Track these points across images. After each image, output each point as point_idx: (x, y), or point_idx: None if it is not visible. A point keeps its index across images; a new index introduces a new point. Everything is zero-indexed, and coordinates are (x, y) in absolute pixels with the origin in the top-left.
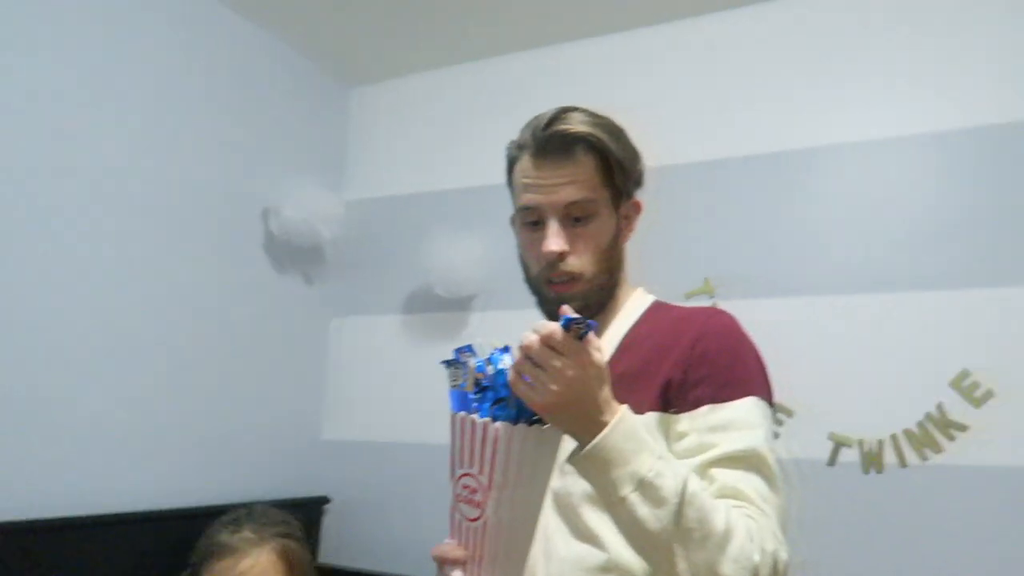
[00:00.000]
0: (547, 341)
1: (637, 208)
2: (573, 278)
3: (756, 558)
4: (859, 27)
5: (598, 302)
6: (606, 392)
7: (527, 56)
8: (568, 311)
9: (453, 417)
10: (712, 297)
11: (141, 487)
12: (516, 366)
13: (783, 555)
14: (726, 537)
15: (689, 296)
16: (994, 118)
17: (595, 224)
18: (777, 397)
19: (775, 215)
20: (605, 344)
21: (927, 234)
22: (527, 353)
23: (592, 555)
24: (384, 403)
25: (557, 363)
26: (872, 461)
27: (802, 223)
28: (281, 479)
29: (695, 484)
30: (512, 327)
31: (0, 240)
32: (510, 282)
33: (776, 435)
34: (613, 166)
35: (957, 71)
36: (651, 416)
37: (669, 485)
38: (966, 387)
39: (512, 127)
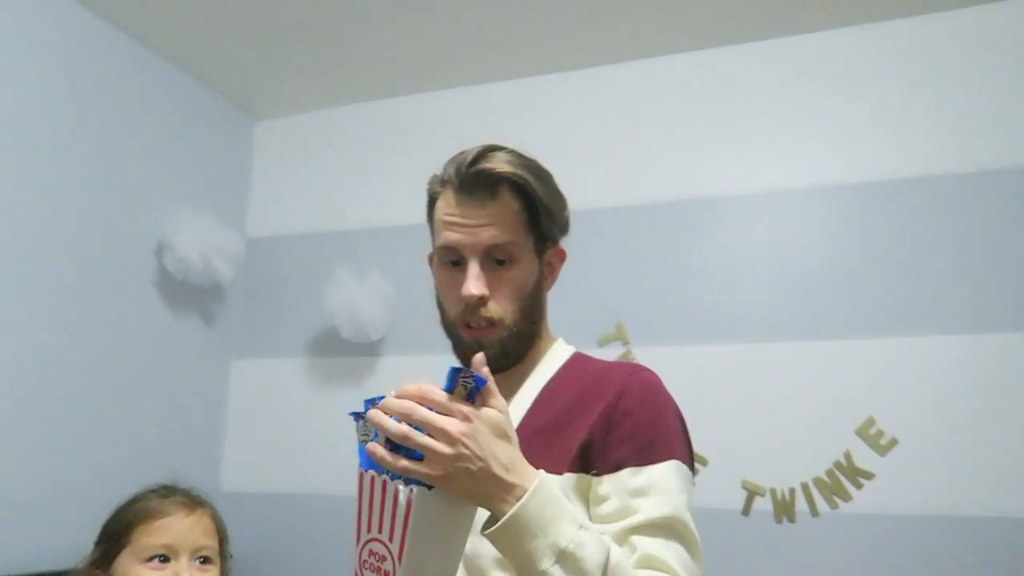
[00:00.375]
0: (425, 401)
1: (561, 256)
2: (492, 323)
3: None
4: (761, 81)
5: (516, 350)
6: (510, 451)
7: (433, 96)
8: (480, 362)
9: (361, 476)
10: (626, 343)
11: (26, 548)
12: (398, 438)
13: None
14: None
15: (602, 342)
16: (881, 175)
17: (517, 269)
18: (698, 447)
19: (684, 262)
20: (522, 398)
21: (830, 283)
22: (407, 420)
23: None
24: (288, 452)
25: (443, 424)
26: (784, 510)
27: (710, 270)
28: None
29: (617, 554)
30: (424, 372)
31: None
32: (420, 325)
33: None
34: (538, 210)
35: (847, 127)
36: (569, 477)
37: (592, 557)
38: (872, 435)
39: (417, 166)
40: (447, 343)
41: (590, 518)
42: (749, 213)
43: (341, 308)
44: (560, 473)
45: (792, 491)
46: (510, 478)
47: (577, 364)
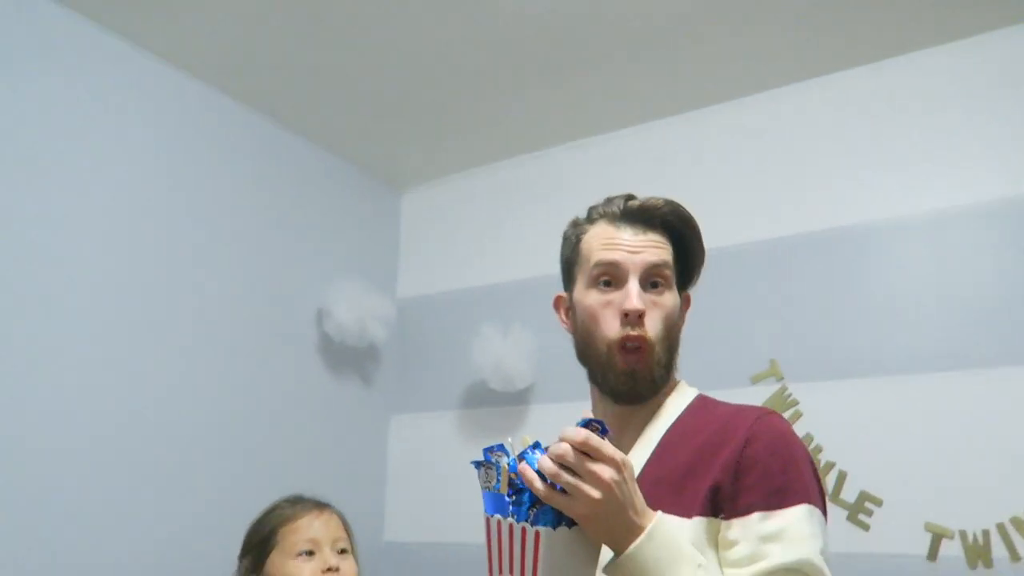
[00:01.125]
0: (582, 447)
1: (688, 302)
2: (645, 346)
3: None
4: (914, 94)
5: (661, 379)
6: (640, 496)
7: (569, 148)
8: (588, 414)
9: (488, 520)
10: (780, 380)
11: None
12: (550, 476)
13: None
14: None
15: (756, 380)
16: None
17: (669, 295)
18: (863, 484)
19: (841, 293)
20: (647, 439)
21: (1008, 305)
22: (561, 461)
23: None
24: (445, 502)
25: (594, 468)
26: (978, 554)
27: (870, 300)
28: None
29: None
30: (570, 418)
31: (62, 357)
32: (564, 373)
33: (866, 527)
34: (689, 248)
35: (1014, 137)
36: (699, 521)
37: None
38: None
39: (555, 218)
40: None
41: (720, 564)
42: (910, 237)
43: (487, 361)
44: (690, 517)
45: (986, 533)
46: (640, 521)
47: (701, 408)
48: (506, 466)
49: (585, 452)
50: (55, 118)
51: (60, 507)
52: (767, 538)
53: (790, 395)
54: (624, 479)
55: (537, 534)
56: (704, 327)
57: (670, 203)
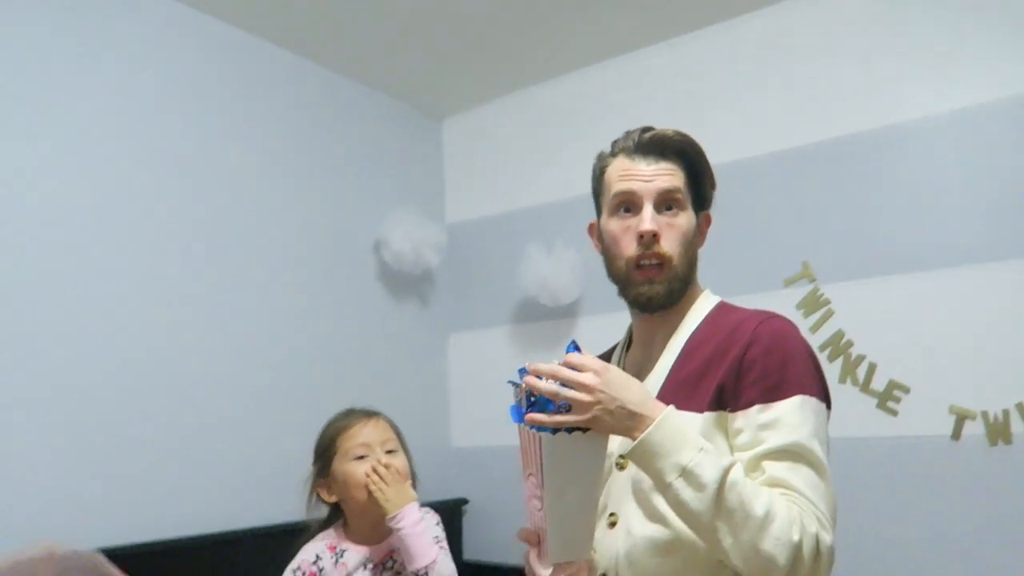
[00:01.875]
0: (568, 364)
1: (708, 220)
2: (662, 262)
3: (796, 537)
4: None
5: (679, 291)
6: (640, 392)
7: (602, 67)
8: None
9: (519, 428)
10: (812, 281)
11: (274, 505)
12: (550, 396)
13: (826, 538)
14: (767, 519)
15: (788, 283)
16: None
17: (683, 216)
18: (891, 373)
19: (869, 194)
20: (673, 346)
21: None
22: (557, 378)
23: (661, 533)
24: (503, 410)
25: (580, 377)
26: (999, 432)
27: (898, 199)
28: (422, 485)
29: (737, 473)
30: (617, 326)
31: (149, 299)
32: (608, 287)
33: (895, 412)
34: (701, 173)
35: None
36: (709, 415)
37: (709, 473)
38: None
39: (594, 137)
40: None
41: (730, 450)
42: (935, 135)
43: (534, 279)
44: (702, 412)
45: (1006, 412)
46: (643, 411)
47: (719, 315)
48: (524, 384)
49: (574, 367)
50: (109, 65)
51: (163, 428)
52: (764, 426)
53: (822, 295)
54: (608, 380)
55: (540, 438)
56: (739, 235)
57: (680, 133)
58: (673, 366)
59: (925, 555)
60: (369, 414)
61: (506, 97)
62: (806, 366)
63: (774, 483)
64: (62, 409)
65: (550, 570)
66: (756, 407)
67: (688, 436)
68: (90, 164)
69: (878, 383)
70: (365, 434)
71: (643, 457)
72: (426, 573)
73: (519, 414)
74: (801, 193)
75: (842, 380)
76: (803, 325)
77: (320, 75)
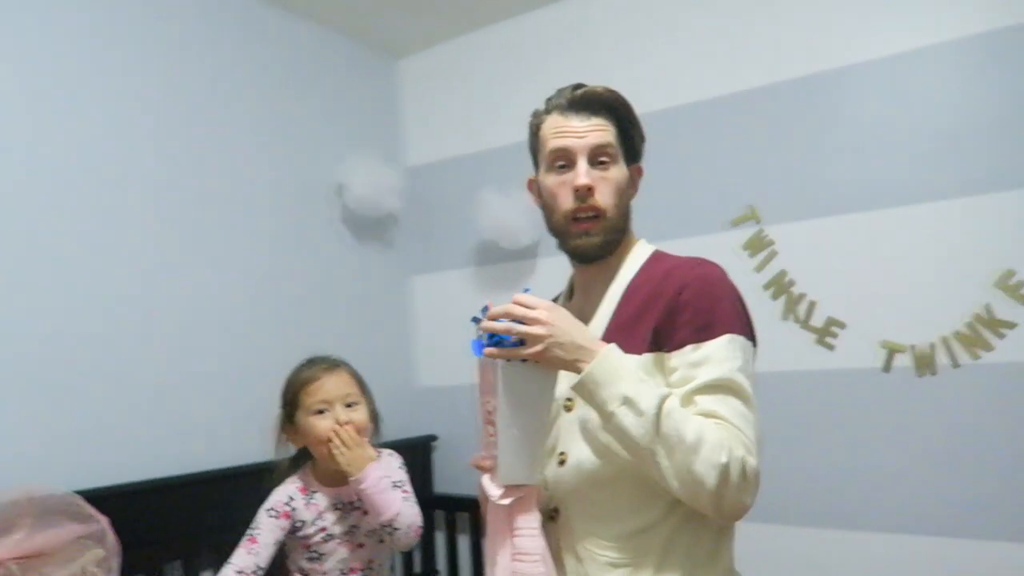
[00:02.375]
0: (519, 302)
1: (640, 172)
2: (597, 214)
3: (723, 459)
4: None
5: (614, 241)
6: (586, 332)
7: (562, 6)
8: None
9: (478, 361)
10: (758, 223)
11: (243, 445)
12: (504, 332)
13: (752, 461)
14: (697, 443)
15: (736, 223)
16: (1015, 18)
17: (616, 169)
18: (829, 310)
19: (812, 137)
20: (612, 294)
21: (962, 141)
22: (509, 317)
23: (607, 468)
24: (467, 349)
25: (534, 313)
26: (926, 363)
27: (839, 143)
28: (391, 424)
29: (672, 403)
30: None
31: (119, 247)
32: None
33: (831, 347)
34: (630, 127)
35: None
36: (647, 356)
37: (647, 401)
38: (1012, 285)
39: (550, 80)
40: None
41: (667, 386)
42: (876, 79)
43: (491, 222)
44: (640, 353)
45: (932, 345)
46: (591, 346)
47: (654, 263)
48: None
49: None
50: (72, 20)
51: (133, 372)
52: (695, 364)
53: (767, 236)
54: (558, 316)
55: (498, 365)
56: (687, 178)
57: (609, 90)
58: (613, 312)
59: (858, 481)
60: (331, 366)
61: (465, 36)
62: (733, 307)
63: (705, 414)
64: (34, 355)
65: (501, 491)
66: (688, 347)
67: (628, 369)
68: (61, 113)
69: (817, 319)
70: (326, 389)
71: (589, 388)
72: (391, 524)
73: (479, 347)
74: (747, 137)
75: (784, 317)
76: (748, 265)
77: (275, 16)
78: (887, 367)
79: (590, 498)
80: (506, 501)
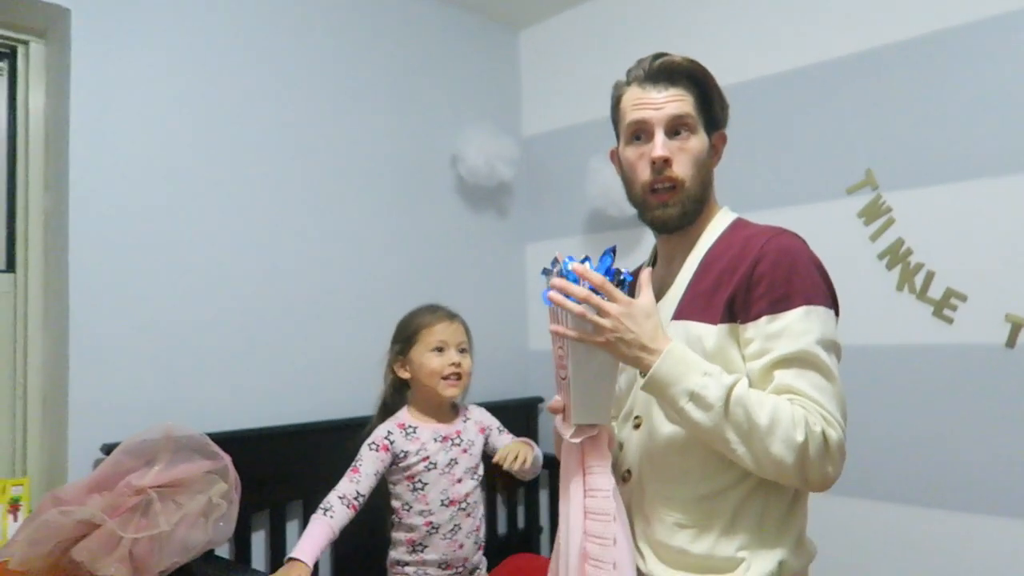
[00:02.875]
0: (600, 288)
1: (724, 140)
2: (674, 186)
3: (800, 438)
4: None
5: (693, 211)
6: (655, 329)
7: None
8: (622, 270)
9: (550, 310)
10: (875, 189)
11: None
12: (579, 316)
13: (833, 433)
14: (772, 425)
15: (852, 190)
16: None
17: (694, 139)
18: (949, 281)
19: (932, 99)
20: (691, 262)
21: None
22: (589, 302)
23: (680, 433)
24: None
25: (610, 306)
26: None
27: (960, 104)
28: (501, 385)
29: (740, 389)
30: None
31: (255, 217)
32: None
33: (950, 320)
34: (710, 95)
35: None
36: (722, 327)
37: (714, 393)
38: None
39: (663, 48)
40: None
41: (743, 358)
42: (1003, 36)
43: (600, 191)
44: (715, 323)
45: None
46: (654, 345)
47: (734, 231)
48: (556, 271)
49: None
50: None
51: (265, 330)
52: (771, 336)
53: (884, 203)
54: (630, 314)
55: (568, 315)
56: (801, 144)
57: (687, 59)
58: (691, 281)
59: (976, 460)
60: (451, 315)
61: (582, 5)
62: (811, 277)
63: (783, 389)
64: (178, 318)
65: (572, 430)
66: (764, 318)
67: (692, 363)
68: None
69: (935, 291)
70: (446, 333)
71: (656, 387)
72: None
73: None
74: (866, 100)
75: (899, 288)
76: (863, 233)
77: None
78: (1011, 342)
79: (662, 462)
80: (577, 440)
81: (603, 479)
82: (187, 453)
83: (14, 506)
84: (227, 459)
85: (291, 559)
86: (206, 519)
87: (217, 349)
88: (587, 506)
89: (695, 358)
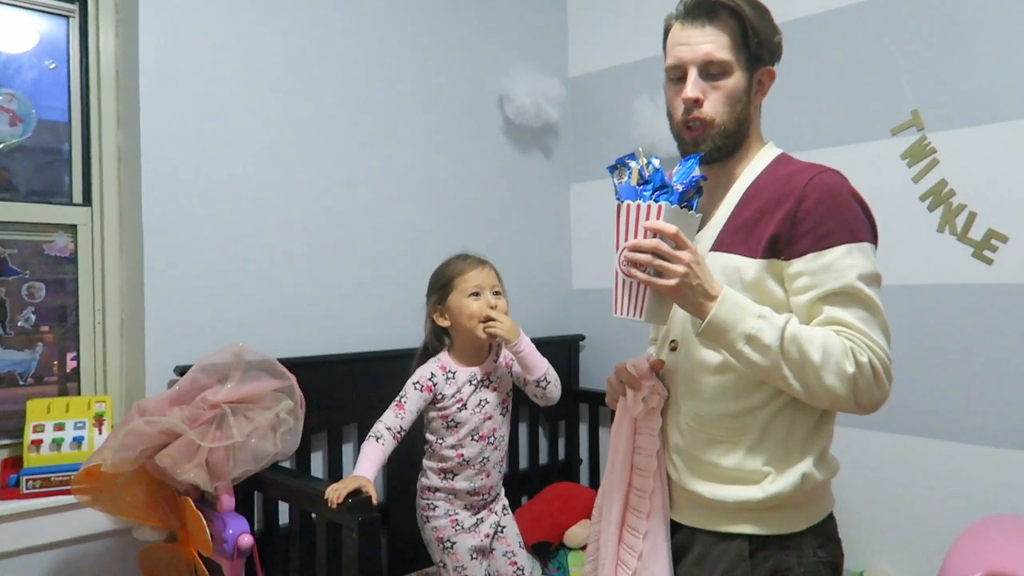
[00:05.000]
0: (673, 238)
1: (771, 76)
2: (705, 124)
3: (850, 369)
4: None
5: (727, 146)
6: (708, 271)
7: None
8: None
9: (620, 206)
10: (920, 130)
11: (399, 332)
12: (645, 264)
13: (878, 362)
14: (825, 359)
15: (896, 131)
16: None
17: (729, 80)
18: (990, 222)
19: (981, 38)
20: (732, 194)
21: None
22: (656, 252)
23: (715, 355)
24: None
25: (679, 254)
26: None
27: (1010, 43)
28: (544, 322)
29: (793, 328)
30: None
31: (313, 155)
32: None
33: (990, 261)
34: (749, 32)
35: None
36: (762, 262)
37: (769, 335)
38: None
39: None
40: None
41: (786, 291)
42: None
43: (646, 130)
44: (755, 257)
45: None
46: (713, 292)
47: (777, 166)
48: (636, 166)
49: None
50: None
51: (323, 266)
52: (818, 272)
53: (928, 144)
54: (698, 261)
55: (660, 207)
56: (847, 83)
57: None
58: (733, 212)
59: (1008, 396)
60: (481, 261)
61: None
62: (854, 214)
63: (831, 322)
64: (250, 253)
65: (641, 407)
66: (810, 255)
67: (746, 307)
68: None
69: (976, 232)
70: (480, 278)
71: (715, 332)
72: (545, 377)
73: (629, 192)
74: (913, 41)
75: (940, 229)
76: (907, 175)
77: None
78: None
79: (698, 382)
80: (639, 411)
81: (650, 439)
82: (256, 372)
83: (99, 420)
84: (293, 379)
85: (354, 476)
86: (274, 432)
87: (280, 280)
88: (634, 462)
89: (747, 301)
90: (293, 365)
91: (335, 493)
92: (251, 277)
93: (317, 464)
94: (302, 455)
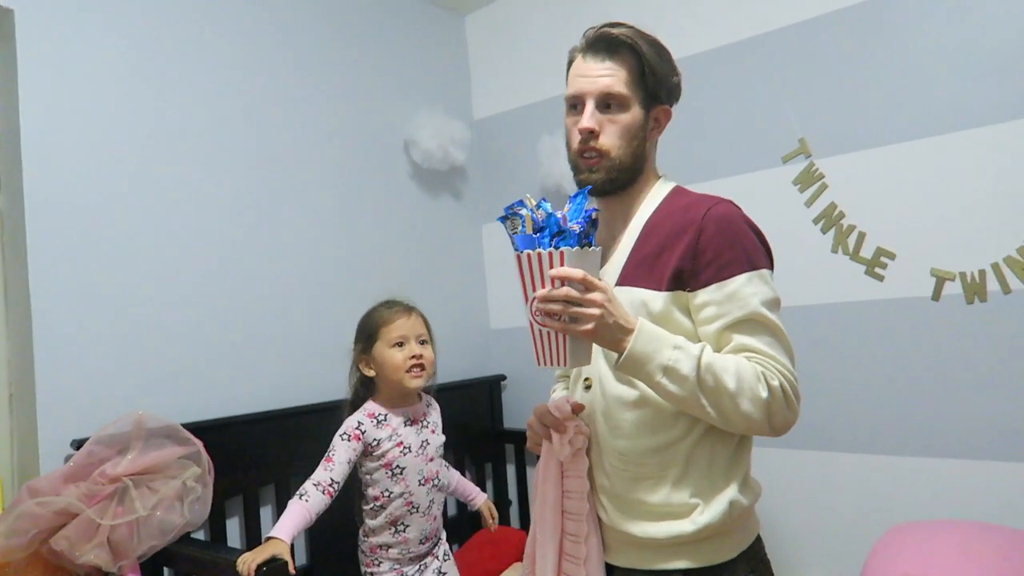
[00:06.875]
0: (581, 282)
1: (667, 115)
2: (600, 155)
3: (764, 395)
4: None
5: (621, 179)
6: (623, 309)
7: None
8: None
9: (520, 256)
10: (808, 156)
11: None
12: (558, 313)
13: (788, 385)
14: (739, 387)
15: (787, 159)
16: None
17: (625, 115)
18: (879, 241)
19: (860, 67)
20: (632, 229)
21: (1011, 62)
22: (567, 299)
23: (630, 391)
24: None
25: (591, 296)
26: (975, 291)
27: (887, 71)
28: (465, 364)
29: (707, 357)
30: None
31: (209, 207)
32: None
33: (881, 278)
34: (647, 71)
35: None
36: (668, 294)
37: (686, 366)
38: None
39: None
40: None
41: (693, 321)
42: (924, 3)
43: (551, 169)
44: (661, 290)
45: (982, 272)
46: (628, 325)
47: (672, 199)
48: (528, 214)
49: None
50: None
51: (222, 320)
52: (722, 301)
53: (817, 170)
54: (610, 298)
55: (562, 253)
56: (738, 115)
57: (629, 29)
58: (634, 246)
59: (908, 408)
60: (408, 308)
61: None
62: (751, 243)
63: (741, 348)
64: (144, 310)
65: (567, 453)
66: (714, 285)
67: (663, 339)
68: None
69: (867, 251)
70: (404, 327)
71: (633, 366)
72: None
73: (526, 241)
74: (797, 71)
75: (834, 250)
76: (799, 200)
77: None
78: (936, 295)
79: (617, 419)
80: (566, 454)
81: (579, 482)
82: (159, 440)
83: None
84: (199, 444)
85: (269, 538)
86: (182, 502)
87: (180, 341)
88: (565, 507)
89: (662, 332)
90: (199, 429)
91: (244, 565)
92: (150, 340)
93: (234, 531)
94: (216, 523)
